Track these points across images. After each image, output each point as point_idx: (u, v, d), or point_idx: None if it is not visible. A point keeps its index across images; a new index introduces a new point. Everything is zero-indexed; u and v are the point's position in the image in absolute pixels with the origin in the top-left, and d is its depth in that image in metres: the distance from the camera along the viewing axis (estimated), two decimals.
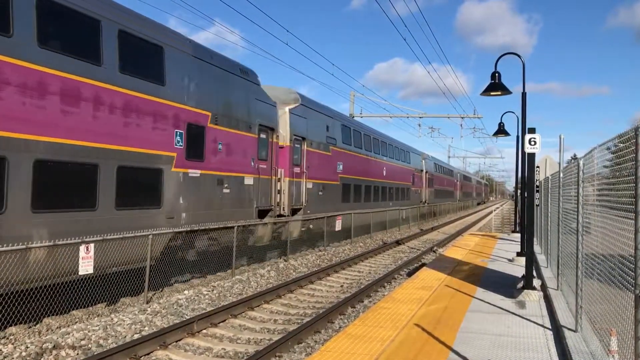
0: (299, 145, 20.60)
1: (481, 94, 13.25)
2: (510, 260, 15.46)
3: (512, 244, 20.40)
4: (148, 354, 8.43)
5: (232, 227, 15.03)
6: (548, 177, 14.53)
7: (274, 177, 18.15)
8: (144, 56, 12.28)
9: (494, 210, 49.84)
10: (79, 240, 9.93)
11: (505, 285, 11.30)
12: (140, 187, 11.92)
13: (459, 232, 34.73)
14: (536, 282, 10.47)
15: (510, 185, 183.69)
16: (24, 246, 8.86)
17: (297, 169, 20.27)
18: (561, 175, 9.97)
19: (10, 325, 9.13)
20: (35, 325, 9.56)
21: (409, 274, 16.69)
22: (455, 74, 48.82)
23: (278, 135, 18.56)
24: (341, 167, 25.12)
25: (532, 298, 10.00)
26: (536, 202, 17.69)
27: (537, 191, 17.82)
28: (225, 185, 15.05)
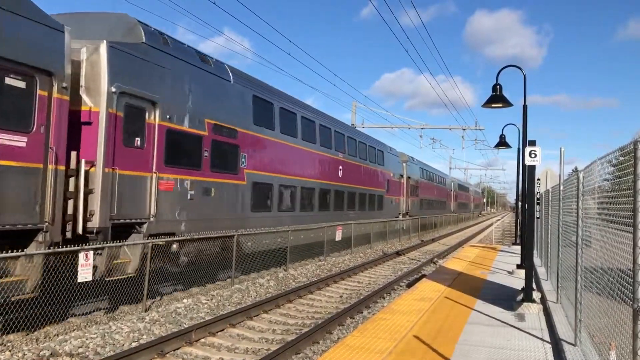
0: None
1: (482, 106, 13.26)
2: (510, 273, 15.42)
3: (512, 256, 20.36)
4: None
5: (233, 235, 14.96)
6: (548, 190, 14.52)
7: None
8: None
9: (495, 222, 49.71)
10: (79, 248, 9.94)
11: (504, 298, 11.26)
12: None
13: (460, 244, 34.66)
14: (536, 295, 10.45)
15: (511, 197, 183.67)
16: (23, 253, 8.85)
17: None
18: (561, 188, 9.97)
19: (8, 333, 9.11)
20: (33, 333, 9.53)
21: (409, 285, 16.64)
22: (458, 86, 50.92)
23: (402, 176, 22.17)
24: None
25: (532, 311, 9.97)
26: (536, 214, 17.67)
27: (538, 204, 17.81)
28: None
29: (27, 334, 9.40)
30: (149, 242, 11.81)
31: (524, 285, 10.44)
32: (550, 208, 12.99)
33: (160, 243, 12.22)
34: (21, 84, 9.26)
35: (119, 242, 11.02)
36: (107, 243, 10.65)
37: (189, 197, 13.63)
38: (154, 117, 12.47)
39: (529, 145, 10.32)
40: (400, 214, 36.35)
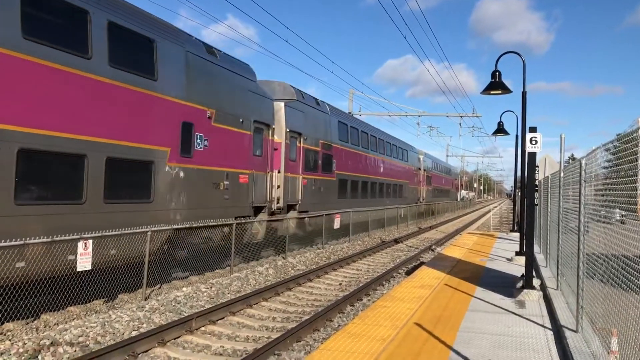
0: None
1: (482, 93, 13.20)
2: (509, 260, 15.44)
3: (510, 243, 20.39)
4: (146, 351, 8.38)
5: (231, 224, 14.96)
6: (548, 177, 14.50)
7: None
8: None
9: (493, 209, 49.78)
10: (77, 237, 9.89)
11: (504, 285, 11.28)
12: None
13: (458, 231, 34.73)
14: (536, 282, 10.45)
15: (508, 185, 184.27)
16: (21, 242, 8.82)
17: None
18: (562, 174, 9.94)
19: (8, 321, 9.08)
20: (32, 322, 9.51)
21: (408, 273, 16.66)
22: (463, 73, 50.56)
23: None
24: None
25: (532, 298, 9.98)
26: (535, 201, 17.66)
27: (537, 190, 17.79)
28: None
29: (27, 323, 9.38)
30: (148, 230, 11.75)
31: (523, 272, 10.44)
32: (549, 195, 12.98)
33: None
34: (264, 134, 17.44)
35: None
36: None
37: (313, 189, 21.82)
38: (300, 142, 20.51)
39: (530, 131, 10.26)
40: (418, 200, 44.97)
